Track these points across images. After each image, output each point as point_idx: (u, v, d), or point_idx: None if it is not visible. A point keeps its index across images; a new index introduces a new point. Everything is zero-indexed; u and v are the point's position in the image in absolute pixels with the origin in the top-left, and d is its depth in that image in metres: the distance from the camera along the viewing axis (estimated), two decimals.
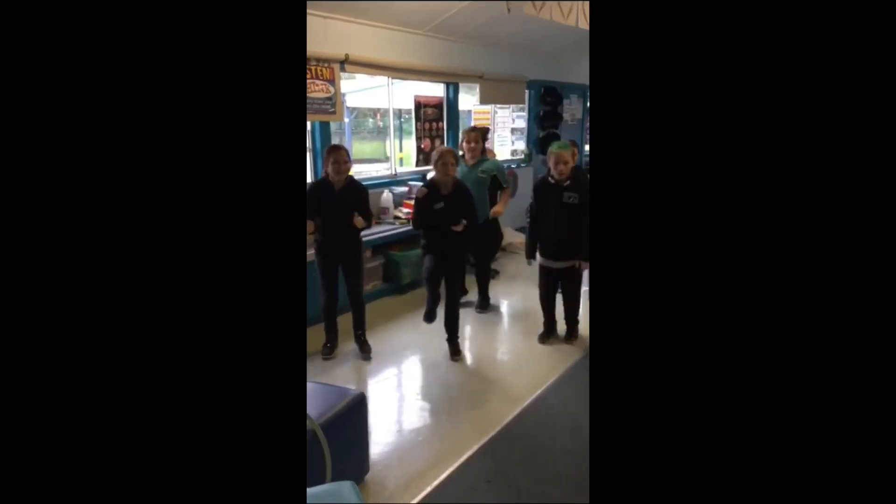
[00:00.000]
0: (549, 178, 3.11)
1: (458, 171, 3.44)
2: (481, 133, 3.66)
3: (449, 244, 3.01)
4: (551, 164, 3.07)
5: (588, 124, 7.55)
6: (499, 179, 3.57)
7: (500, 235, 4.06)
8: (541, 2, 2.95)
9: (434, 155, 3.03)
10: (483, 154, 3.60)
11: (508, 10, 2.87)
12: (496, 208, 3.62)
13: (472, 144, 3.51)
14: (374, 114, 5.40)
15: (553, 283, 3.27)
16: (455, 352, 3.15)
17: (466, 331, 3.60)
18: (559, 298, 3.34)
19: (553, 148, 3.13)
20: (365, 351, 3.16)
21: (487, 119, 5.83)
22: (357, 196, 2.99)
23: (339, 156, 2.90)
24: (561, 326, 3.39)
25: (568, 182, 3.05)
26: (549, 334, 3.38)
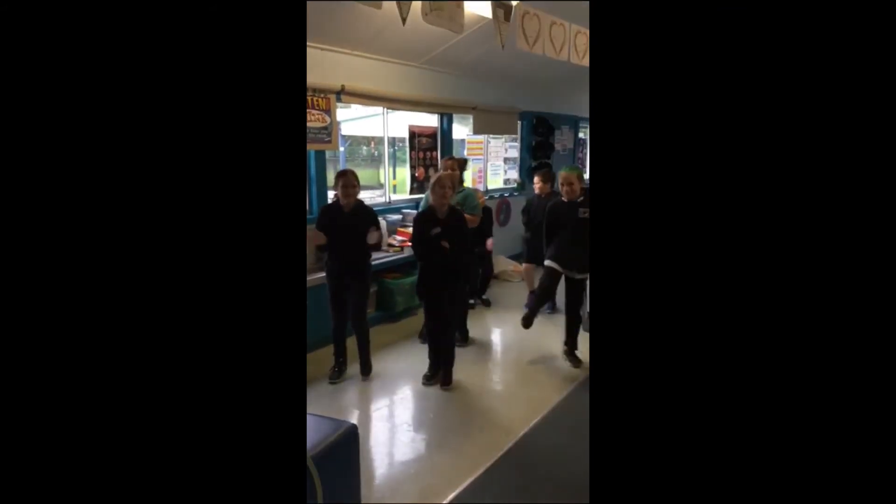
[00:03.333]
0: (563, 199, 3.30)
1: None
2: (458, 163, 3.75)
3: (446, 269, 3.02)
4: (559, 185, 3.33)
5: (579, 154, 7.67)
6: (466, 208, 3.63)
7: (477, 268, 4.12)
8: (535, 12, 3.04)
9: (432, 179, 3.11)
10: (460, 184, 3.66)
11: (503, 45, 2.94)
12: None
13: (450, 172, 3.57)
14: (369, 142, 5.47)
15: (555, 280, 3.38)
16: (447, 381, 3.15)
17: (461, 361, 3.57)
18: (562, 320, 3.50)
19: (560, 170, 3.36)
20: (365, 371, 3.25)
21: (481, 149, 5.92)
22: (366, 219, 3.10)
23: (346, 180, 3.03)
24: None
25: (581, 199, 3.23)
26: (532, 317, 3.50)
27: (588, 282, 3.31)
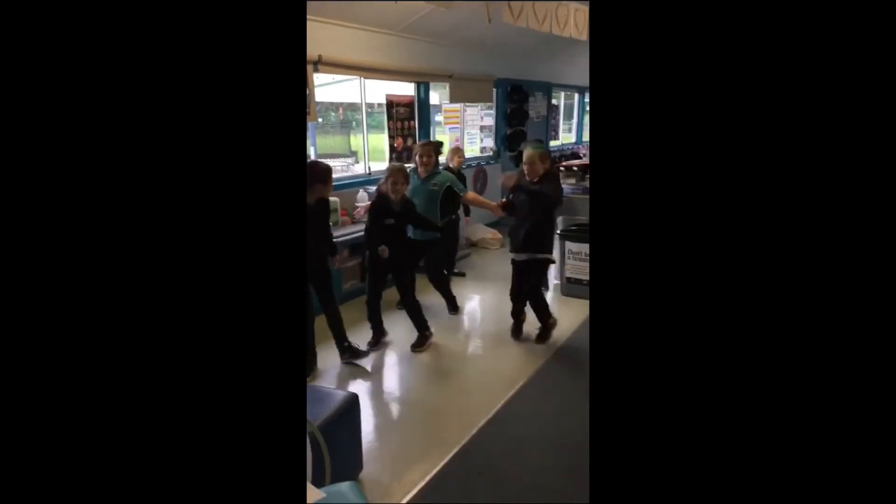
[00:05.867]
0: (525, 177, 3.26)
1: (411, 184, 3.64)
2: (434, 147, 3.82)
3: (396, 258, 3.21)
4: (522, 164, 3.25)
5: (552, 120, 7.74)
6: (454, 190, 3.74)
7: (454, 240, 4.31)
8: (519, 2, 3.05)
9: (385, 171, 3.21)
10: (436, 167, 3.75)
11: (490, 19, 2.95)
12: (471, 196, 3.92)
13: (425, 158, 3.66)
14: (337, 108, 5.40)
15: (517, 278, 3.41)
16: (420, 342, 3.38)
17: (444, 328, 3.69)
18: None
19: (526, 148, 3.33)
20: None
21: (457, 118, 5.91)
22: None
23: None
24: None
25: (537, 179, 3.18)
26: (516, 331, 3.52)
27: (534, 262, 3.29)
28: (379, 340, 3.44)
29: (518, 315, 3.51)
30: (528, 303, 3.44)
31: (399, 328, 3.52)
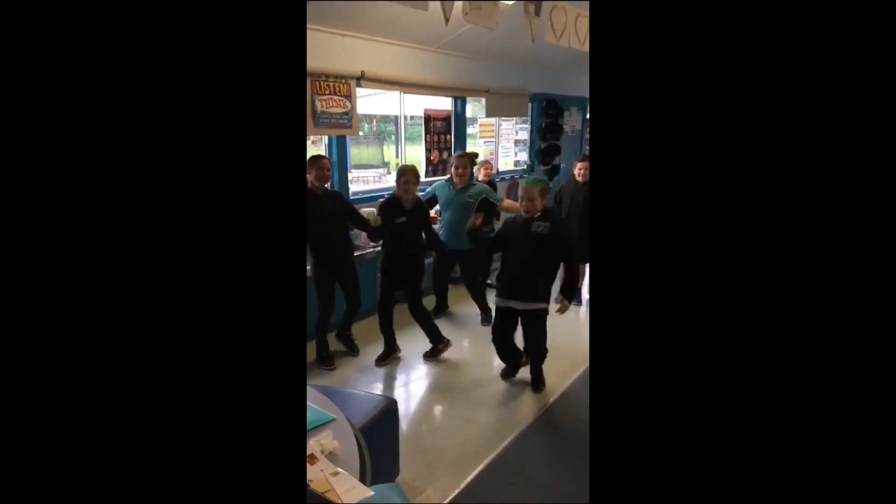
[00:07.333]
0: (521, 215, 2.86)
1: (446, 195, 3.75)
2: (469, 158, 3.88)
3: (409, 257, 3.28)
4: (519, 199, 2.89)
5: (587, 135, 7.73)
6: (490, 200, 3.78)
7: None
8: (562, 14, 3.07)
9: (396, 173, 3.26)
10: (471, 179, 3.81)
11: (533, 39, 3.02)
12: (507, 204, 3.89)
13: (461, 170, 3.72)
14: (371, 120, 5.55)
15: (508, 325, 3.01)
16: (434, 352, 3.38)
17: (477, 338, 3.73)
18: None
19: (522, 182, 3.10)
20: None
21: (492, 131, 5.99)
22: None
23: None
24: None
25: (539, 214, 2.81)
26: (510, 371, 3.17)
27: (540, 312, 2.88)
28: (389, 355, 3.34)
29: (511, 358, 3.12)
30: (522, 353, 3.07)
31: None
